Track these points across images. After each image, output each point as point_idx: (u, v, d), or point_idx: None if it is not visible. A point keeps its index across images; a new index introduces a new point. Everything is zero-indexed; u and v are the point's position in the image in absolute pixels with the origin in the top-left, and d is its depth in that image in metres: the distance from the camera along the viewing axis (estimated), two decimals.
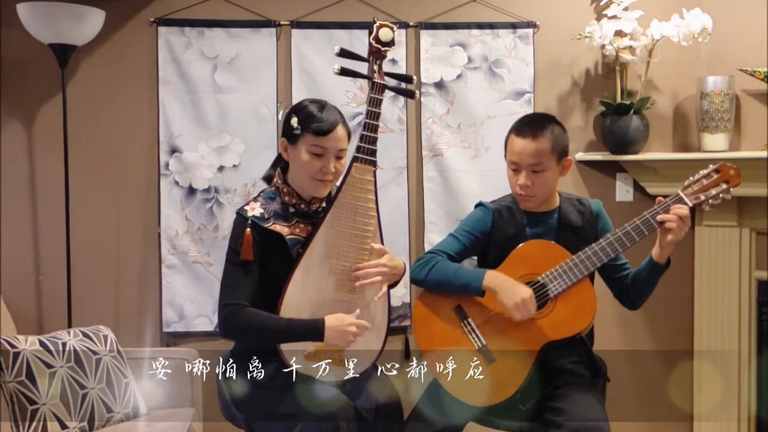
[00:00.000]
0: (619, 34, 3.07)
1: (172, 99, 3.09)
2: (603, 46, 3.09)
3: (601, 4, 3.17)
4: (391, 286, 2.29)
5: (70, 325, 2.94)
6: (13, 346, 2.48)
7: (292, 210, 2.20)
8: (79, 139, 3.06)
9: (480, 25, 3.17)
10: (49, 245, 3.08)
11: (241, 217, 2.17)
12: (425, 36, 3.17)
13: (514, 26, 3.18)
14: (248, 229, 2.12)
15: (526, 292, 2.14)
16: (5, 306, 2.84)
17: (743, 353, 3.04)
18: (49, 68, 2.94)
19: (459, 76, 3.18)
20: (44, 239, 3.09)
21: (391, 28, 2.25)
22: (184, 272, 3.12)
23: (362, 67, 2.27)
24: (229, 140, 3.11)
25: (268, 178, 2.30)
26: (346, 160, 2.20)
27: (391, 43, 2.26)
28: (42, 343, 2.55)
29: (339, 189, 2.19)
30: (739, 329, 3.04)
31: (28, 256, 3.10)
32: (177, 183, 3.11)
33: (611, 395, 2.45)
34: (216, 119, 3.11)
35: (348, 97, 3.12)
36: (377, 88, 2.22)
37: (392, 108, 3.16)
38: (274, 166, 2.30)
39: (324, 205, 2.23)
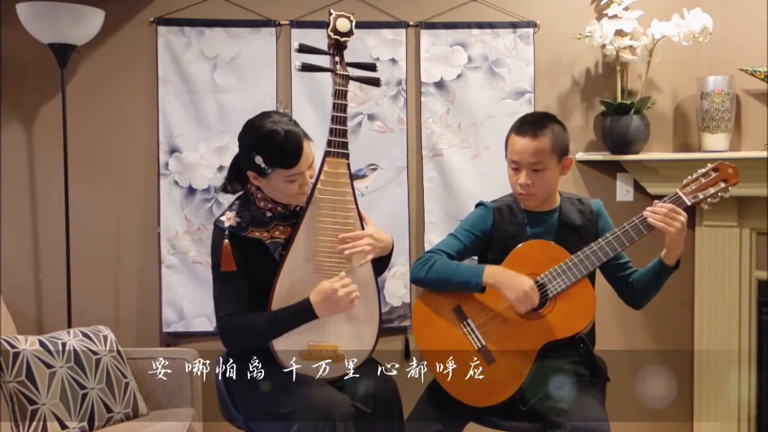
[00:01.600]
0: (619, 33, 3.07)
1: (172, 99, 3.09)
2: (603, 46, 3.09)
3: (602, 3, 3.17)
4: (383, 265, 2.29)
5: (70, 325, 2.94)
6: (13, 346, 2.48)
7: (269, 214, 2.18)
8: (79, 139, 3.05)
9: (480, 25, 3.17)
10: (49, 245, 3.08)
11: (218, 228, 2.15)
12: (425, 36, 3.16)
13: (514, 26, 3.18)
14: (226, 240, 2.11)
15: (527, 283, 2.15)
16: (5, 306, 2.84)
17: (743, 353, 3.04)
18: (49, 68, 2.94)
19: (459, 76, 3.17)
20: (44, 239, 3.09)
21: (348, 18, 2.25)
22: (183, 272, 3.11)
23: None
24: (229, 140, 3.11)
25: (226, 189, 2.25)
26: (316, 162, 2.19)
27: (349, 33, 2.25)
28: (42, 343, 2.56)
29: (314, 186, 2.18)
30: (739, 329, 3.04)
31: (28, 256, 3.09)
32: (177, 183, 3.10)
33: (611, 395, 2.45)
34: (216, 119, 3.10)
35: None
36: (340, 80, 2.21)
37: (392, 108, 3.16)
38: (230, 177, 2.25)
39: (301, 205, 2.22)
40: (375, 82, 2.36)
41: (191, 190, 3.11)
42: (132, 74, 3.10)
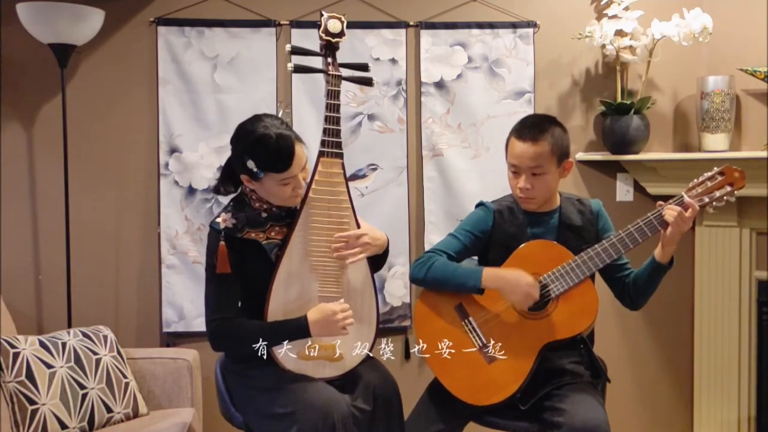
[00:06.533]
0: (619, 33, 3.07)
1: (172, 99, 3.09)
2: (603, 46, 3.09)
3: (602, 3, 3.17)
4: (379, 263, 2.29)
5: (70, 325, 2.94)
6: (13, 346, 2.48)
7: (264, 215, 2.18)
8: (79, 139, 3.05)
9: (480, 25, 3.17)
10: (49, 245, 3.08)
11: (213, 230, 2.15)
12: (425, 36, 3.16)
13: (514, 26, 3.18)
14: (222, 242, 2.11)
15: (526, 281, 2.15)
16: (5, 306, 2.84)
17: (743, 353, 3.04)
18: (49, 68, 2.94)
19: (459, 76, 3.17)
20: (44, 239, 3.09)
21: (339, 19, 2.25)
22: (183, 272, 3.11)
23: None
24: (229, 140, 3.10)
25: (219, 190, 2.24)
26: (310, 164, 2.19)
27: (341, 34, 2.25)
28: (42, 343, 2.55)
29: (309, 186, 2.18)
30: (739, 329, 3.04)
31: (28, 256, 3.09)
32: (177, 183, 3.10)
33: (611, 395, 2.45)
34: (216, 119, 3.10)
35: (348, 97, 3.12)
36: (333, 80, 2.22)
37: (392, 108, 3.16)
38: (222, 179, 2.24)
39: (296, 205, 2.22)
40: (368, 82, 2.37)
41: (191, 190, 3.11)
42: (132, 74, 3.10)
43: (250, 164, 2.08)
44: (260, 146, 2.07)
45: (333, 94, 2.20)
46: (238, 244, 2.13)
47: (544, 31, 3.20)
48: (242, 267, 2.15)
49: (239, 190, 2.24)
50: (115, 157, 3.12)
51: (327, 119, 2.19)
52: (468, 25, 3.17)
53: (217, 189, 2.26)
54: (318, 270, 2.16)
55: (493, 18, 3.18)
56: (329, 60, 2.25)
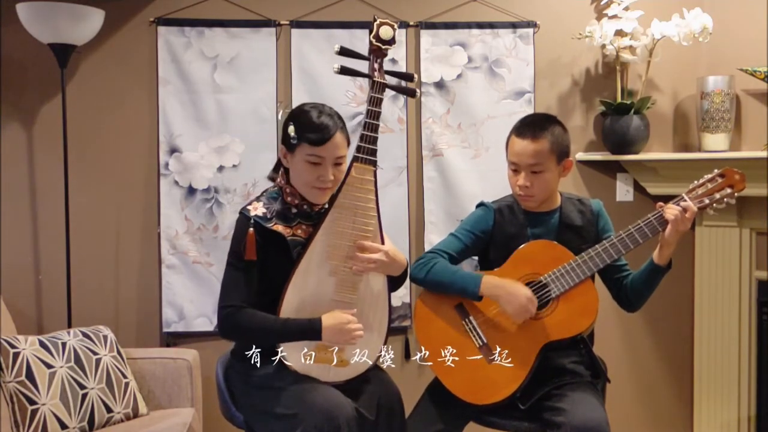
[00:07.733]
0: (619, 33, 3.07)
1: (172, 99, 3.08)
2: (603, 46, 3.09)
3: (602, 3, 3.17)
4: (395, 287, 2.29)
5: (70, 325, 2.94)
6: (13, 346, 2.48)
7: (294, 211, 2.19)
8: (79, 139, 3.05)
9: (480, 25, 3.17)
10: (49, 245, 3.08)
11: (243, 216, 2.16)
12: (425, 36, 3.16)
13: (514, 26, 3.18)
14: (251, 229, 2.12)
15: (525, 294, 2.15)
16: (5, 306, 2.84)
17: (743, 353, 3.04)
18: (49, 68, 2.94)
19: (459, 76, 3.17)
20: (44, 239, 3.09)
21: (392, 26, 2.22)
22: (183, 272, 3.11)
23: (363, 66, 2.25)
24: (229, 140, 3.11)
25: (273, 179, 2.28)
26: (346, 165, 2.18)
27: (392, 41, 2.23)
28: (42, 343, 2.55)
29: (339, 189, 2.17)
30: (739, 329, 3.04)
31: (28, 256, 3.09)
32: (177, 183, 3.10)
33: (611, 395, 2.45)
34: (216, 119, 3.10)
35: (348, 97, 3.12)
36: (378, 87, 2.20)
37: (392, 108, 3.16)
38: (276, 168, 2.28)
39: (326, 206, 2.22)
40: (411, 93, 2.33)
41: (191, 190, 3.11)
42: (132, 74, 3.10)
43: (290, 129, 2.13)
44: (304, 114, 2.15)
45: (375, 101, 2.17)
46: (263, 234, 2.14)
47: (544, 31, 3.20)
48: (264, 258, 2.14)
49: (275, 184, 2.25)
50: (115, 157, 3.12)
51: (366, 126, 2.16)
52: (468, 25, 3.17)
53: (273, 177, 2.27)
54: (336, 274, 2.15)
55: (493, 18, 3.19)
56: (376, 66, 2.22)
